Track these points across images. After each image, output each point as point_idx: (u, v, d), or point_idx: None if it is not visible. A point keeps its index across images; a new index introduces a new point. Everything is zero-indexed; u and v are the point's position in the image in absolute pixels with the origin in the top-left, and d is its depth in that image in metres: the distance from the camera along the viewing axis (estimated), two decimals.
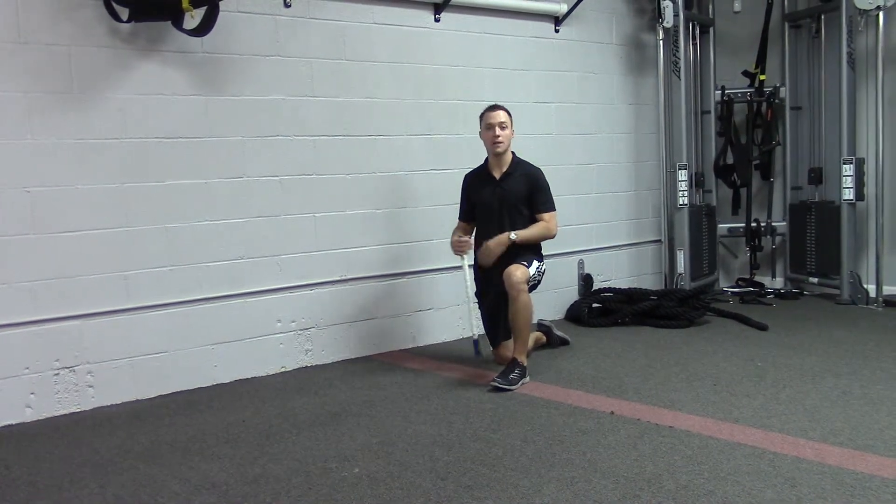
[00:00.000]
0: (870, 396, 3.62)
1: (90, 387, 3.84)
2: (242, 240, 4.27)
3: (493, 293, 4.25)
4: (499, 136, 4.20)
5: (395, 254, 4.84)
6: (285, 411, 3.70)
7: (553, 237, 4.30)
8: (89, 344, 3.83)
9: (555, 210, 4.27)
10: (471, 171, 4.45)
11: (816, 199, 6.11)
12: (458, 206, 4.46)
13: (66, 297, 3.77)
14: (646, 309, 5.34)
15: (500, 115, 4.23)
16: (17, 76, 3.61)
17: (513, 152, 4.31)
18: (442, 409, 3.64)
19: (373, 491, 2.75)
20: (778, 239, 6.47)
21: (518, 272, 4.03)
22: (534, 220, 4.24)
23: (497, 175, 4.28)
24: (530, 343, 4.26)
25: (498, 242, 4.14)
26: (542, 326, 4.79)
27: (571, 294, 5.72)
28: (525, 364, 4.07)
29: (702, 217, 6.18)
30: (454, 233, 4.40)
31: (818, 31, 6.11)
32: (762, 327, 5.09)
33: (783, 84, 6.29)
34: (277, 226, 4.39)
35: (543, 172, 4.30)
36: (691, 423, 3.33)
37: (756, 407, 3.53)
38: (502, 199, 4.24)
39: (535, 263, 4.19)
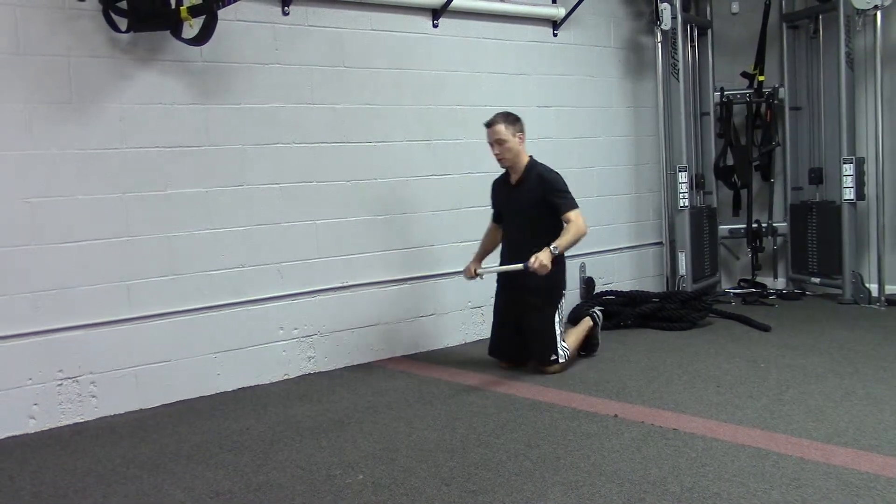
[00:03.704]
0: (873, 396, 3.62)
1: (93, 397, 3.84)
2: (244, 248, 4.27)
3: (507, 300, 4.32)
4: (498, 154, 4.25)
5: (397, 260, 4.84)
6: (288, 419, 3.70)
7: (585, 233, 4.21)
8: (92, 354, 3.83)
9: (578, 207, 4.21)
10: (497, 177, 4.49)
11: (817, 199, 6.11)
12: (486, 209, 4.53)
13: (69, 308, 3.77)
14: (648, 311, 5.33)
15: (497, 132, 4.21)
16: (16, 87, 3.62)
17: (530, 156, 4.31)
18: (445, 415, 3.64)
19: (377, 497, 2.74)
20: (779, 239, 6.47)
21: (551, 369, 4.25)
22: (554, 223, 4.21)
23: (514, 181, 4.32)
24: (577, 339, 4.47)
25: (542, 264, 4.02)
26: (592, 317, 4.69)
27: (573, 297, 5.71)
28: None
29: (703, 219, 6.17)
30: (486, 233, 4.53)
31: (816, 31, 6.12)
32: (765, 328, 5.09)
33: (782, 85, 6.29)
34: (278, 233, 4.39)
35: (559, 175, 4.28)
36: (695, 426, 3.32)
37: (760, 408, 3.53)
38: (518, 205, 4.29)
39: (558, 333, 4.28)
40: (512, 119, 4.25)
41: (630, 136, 6.08)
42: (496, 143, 4.21)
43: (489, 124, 4.25)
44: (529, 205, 4.23)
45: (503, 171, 4.40)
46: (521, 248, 4.19)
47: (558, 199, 4.19)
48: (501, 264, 4.41)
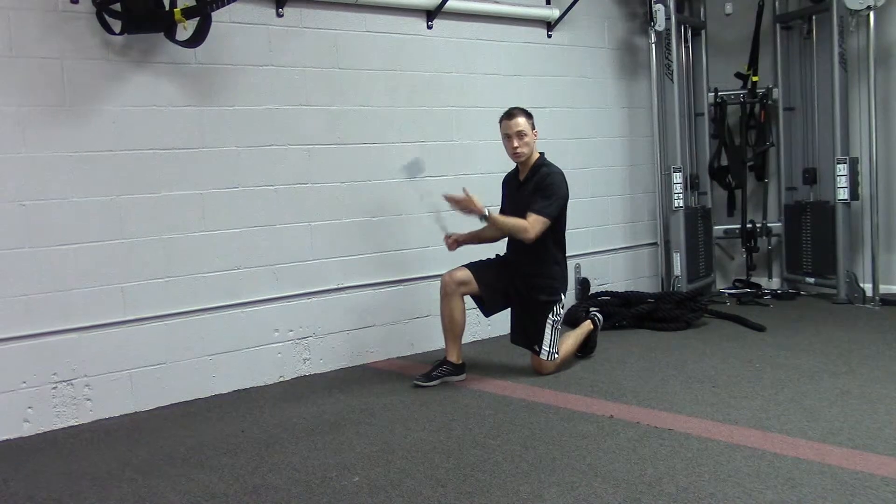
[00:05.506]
0: (868, 395, 3.63)
1: (88, 400, 3.83)
2: (238, 250, 4.27)
3: (509, 270, 4.28)
4: (517, 147, 4.11)
5: (392, 261, 4.84)
6: (284, 421, 3.70)
7: (524, 238, 4.06)
8: (87, 357, 3.82)
9: (546, 218, 4.05)
10: (508, 173, 4.43)
11: (811, 200, 6.13)
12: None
13: (63, 311, 3.76)
14: (643, 312, 5.34)
15: (518, 124, 4.09)
16: (9, 90, 3.61)
17: (541, 153, 4.24)
18: (441, 416, 3.64)
19: (373, 499, 2.74)
20: (774, 240, 6.48)
21: (546, 370, 4.24)
22: (556, 224, 4.16)
23: (521, 177, 4.27)
24: (575, 341, 4.48)
25: (467, 204, 4.00)
26: (593, 320, 4.68)
27: (569, 298, 5.67)
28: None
29: (697, 219, 6.18)
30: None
31: (809, 31, 6.13)
32: (760, 328, 5.10)
33: (776, 85, 6.31)
34: (273, 235, 4.38)
35: (559, 178, 4.14)
36: (690, 426, 3.33)
37: (755, 408, 3.53)
38: (522, 202, 4.14)
39: (548, 332, 4.21)
40: (528, 114, 4.17)
41: (624, 137, 6.09)
42: (517, 135, 4.08)
43: (510, 116, 4.12)
44: (526, 204, 4.10)
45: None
46: (520, 246, 4.18)
47: (538, 199, 4.07)
48: (501, 255, 4.39)
